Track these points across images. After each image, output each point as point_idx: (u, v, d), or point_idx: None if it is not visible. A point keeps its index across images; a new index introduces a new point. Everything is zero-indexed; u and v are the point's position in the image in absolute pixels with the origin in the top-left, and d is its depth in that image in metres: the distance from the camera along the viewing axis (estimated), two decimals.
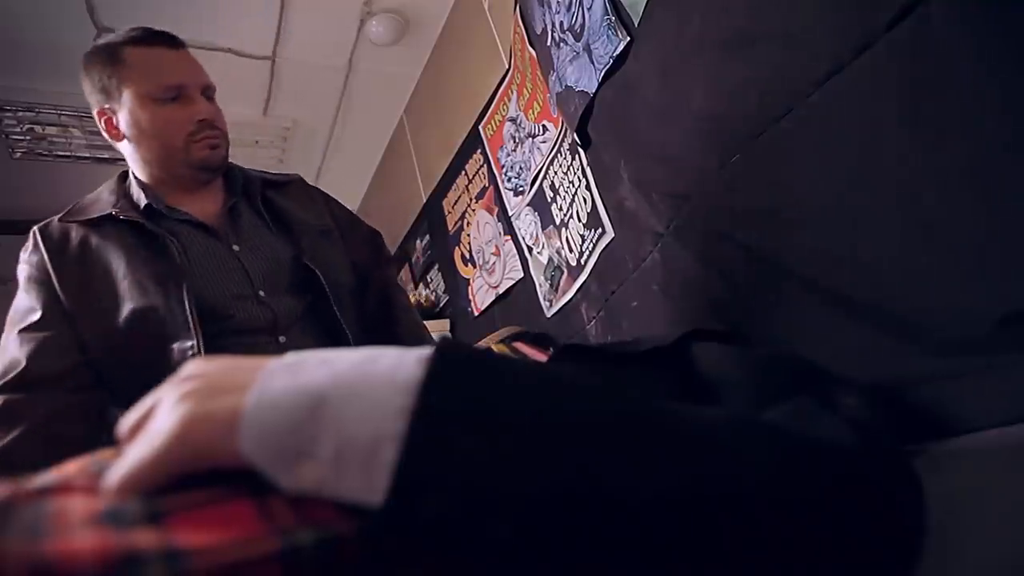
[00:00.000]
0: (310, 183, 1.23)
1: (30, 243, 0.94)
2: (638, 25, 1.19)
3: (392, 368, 0.28)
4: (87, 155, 2.93)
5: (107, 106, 0.94)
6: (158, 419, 0.30)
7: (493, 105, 2.12)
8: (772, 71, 0.91)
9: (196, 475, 0.28)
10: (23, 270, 0.92)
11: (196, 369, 0.32)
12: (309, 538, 0.25)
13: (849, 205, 0.82)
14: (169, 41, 0.94)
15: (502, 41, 2.07)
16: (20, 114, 2.60)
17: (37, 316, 0.88)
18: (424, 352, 0.29)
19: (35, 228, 0.95)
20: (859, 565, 0.33)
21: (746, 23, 0.95)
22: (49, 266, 0.90)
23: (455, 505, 0.25)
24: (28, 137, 2.74)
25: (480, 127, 2.22)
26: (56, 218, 0.96)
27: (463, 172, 2.38)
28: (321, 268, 1.00)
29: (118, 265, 0.88)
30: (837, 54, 0.80)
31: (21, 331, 0.88)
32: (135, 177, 0.98)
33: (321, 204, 1.16)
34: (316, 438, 0.27)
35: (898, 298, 0.76)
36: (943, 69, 0.69)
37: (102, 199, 0.97)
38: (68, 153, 2.88)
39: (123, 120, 0.93)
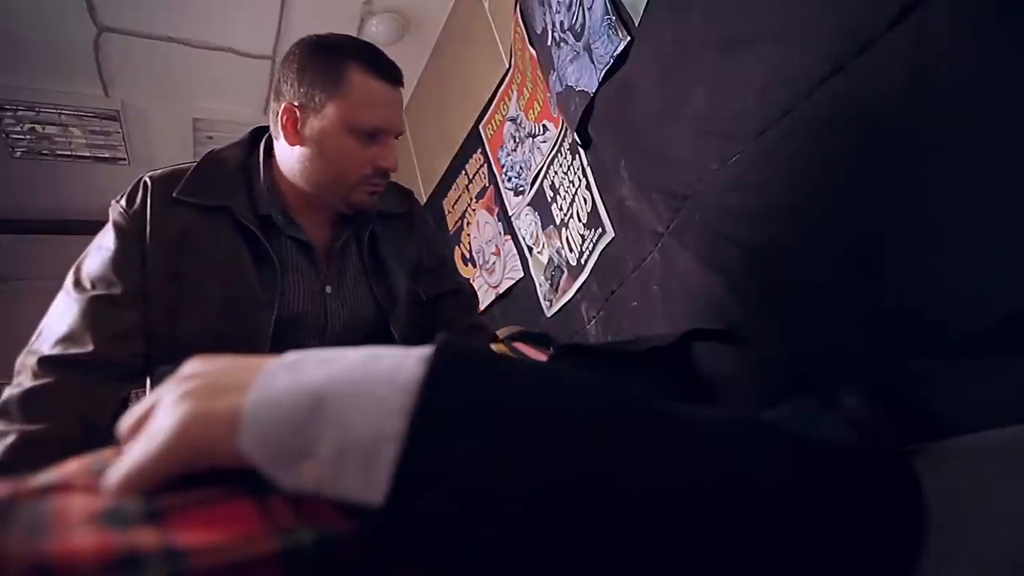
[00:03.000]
0: (421, 211, 1.13)
1: (139, 194, 0.85)
2: (638, 25, 1.19)
3: (393, 368, 0.28)
4: (87, 154, 2.93)
5: (298, 105, 0.84)
6: (158, 418, 0.30)
7: (493, 105, 2.12)
8: (772, 71, 0.91)
9: (196, 475, 0.28)
10: (120, 218, 0.84)
11: (196, 368, 0.32)
12: (309, 537, 0.25)
13: (849, 205, 0.81)
14: (394, 77, 0.85)
15: (502, 41, 2.07)
16: (21, 113, 2.60)
17: (118, 291, 0.80)
18: (425, 351, 0.29)
19: (148, 178, 0.86)
20: (859, 565, 0.33)
21: (746, 23, 0.95)
22: (148, 227, 0.83)
23: (455, 505, 0.25)
24: (29, 136, 2.74)
25: (480, 127, 2.22)
26: (170, 175, 0.87)
27: (463, 172, 2.38)
28: (401, 333, 0.96)
29: (215, 265, 0.83)
30: (837, 54, 0.80)
31: (95, 298, 0.80)
32: (270, 174, 0.91)
33: (415, 243, 1.07)
34: (316, 437, 0.27)
35: (898, 298, 0.76)
36: (943, 69, 0.69)
37: (222, 179, 0.88)
38: (68, 152, 2.88)
39: (309, 129, 0.84)
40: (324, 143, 0.84)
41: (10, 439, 0.71)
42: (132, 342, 0.81)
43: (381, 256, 0.98)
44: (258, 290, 0.84)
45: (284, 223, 0.89)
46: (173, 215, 0.84)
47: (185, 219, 0.84)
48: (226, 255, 0.84)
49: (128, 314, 0.81)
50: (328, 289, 0.92)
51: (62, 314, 0.81)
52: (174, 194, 0.84)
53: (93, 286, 0.82)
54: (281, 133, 0.86)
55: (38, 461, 0.32)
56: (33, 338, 0.82)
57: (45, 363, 0.77)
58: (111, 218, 0.85)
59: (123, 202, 0.86)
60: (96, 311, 0.80)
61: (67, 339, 0.78)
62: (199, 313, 0.82)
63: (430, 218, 1.16)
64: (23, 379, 0.77)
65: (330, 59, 0.82)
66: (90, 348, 0.77)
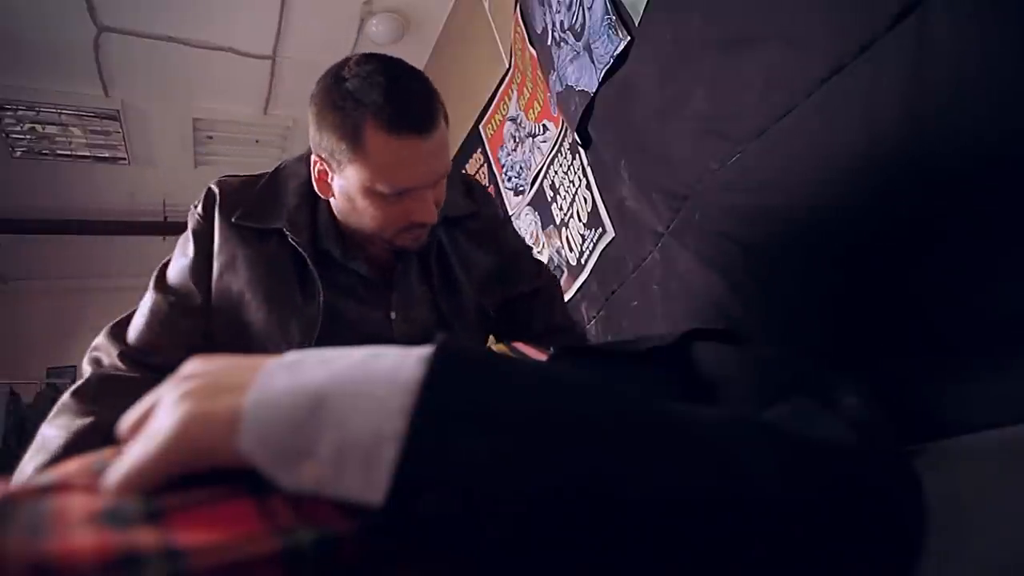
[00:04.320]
0: (490, 206, 1.02)
1: (209, 204, 0.85)
2: (638, 25, 1.19)
3: (393, 367, 0.28)
4: (87, 154, 2.93)
5: (324, 158, 0.77)
6: (158, 418, 0.30)
7: (493, 104, 2.12)
8: (772, 71, 0.91)
9: (196, 474, 0.28)
10: (196, 226, 0.85)
11: (196, 368, 0.32)
12: (309, 537, 0.25)
13: (849, 205, 0.82)
14: (423, 126, 0.71)
15: (502, 40, 2.07)
16: (21, 113, 2.61)
17: (195, 303, 0.82)
18: (425, 351, 0.29)
19: (219, 188, 0.85)
20: (859, 566, 0.33)
21: (746, 23, 0.95)
22: (216, 240, 0.83)
23: (455, 505, 0.25)
24: (29, 136, 2.74)
25: (480, 126, 2.22)
26: (239, 188, 0.86)
27: (463, 171, 2.38)
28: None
29: (261, 286, 0.81)
30: (837, 54, 0.80)
31: (173, 305, 0.82)
32: (328, 203, 0.86)
33: (485, 245, 0.97)
34: (316, 437, 0.27)
35: (898, 297, 0.76)
36: (943, 69, 0.69)
37: (284, 199, 0.85)
38: (68, 152, 2.89)
39: (337, 186, 0.79)
40: (352, 203, 0.78)
41: (86, 421, 0.74)
42: (189, 348, 0.79)
43: (449, 266, 0.91)
44: (299, 316, 0.81)
45: (342, 255, 0.85)
46: (235, 231, 0.83)
47: (243, 238, 0.83)
48: (275, 279, 0.82)
49: (202, 322, 0.83)
50: (393, 315, 0.88)
51: (146, 313, 0.83)
52: (233, 219, 0.83)
53: (173, 292, 0.83)
54: (316, 185, 0.82)
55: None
56: (124, 317, 0.85)
57: (125, 357, 0.81)
58: (189, 225, 0.86)
59: (199, 209, 0.85)
60: (173, 320, 0.82)
61: (146, 340, 0.81)
62: (243, 331, 0.82)
63: (497, 211, 1.05)
64: (102, 356, 0.81)
65: (345, 116, 0.71)
66: (164, 355, 0.80)
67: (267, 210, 0.83)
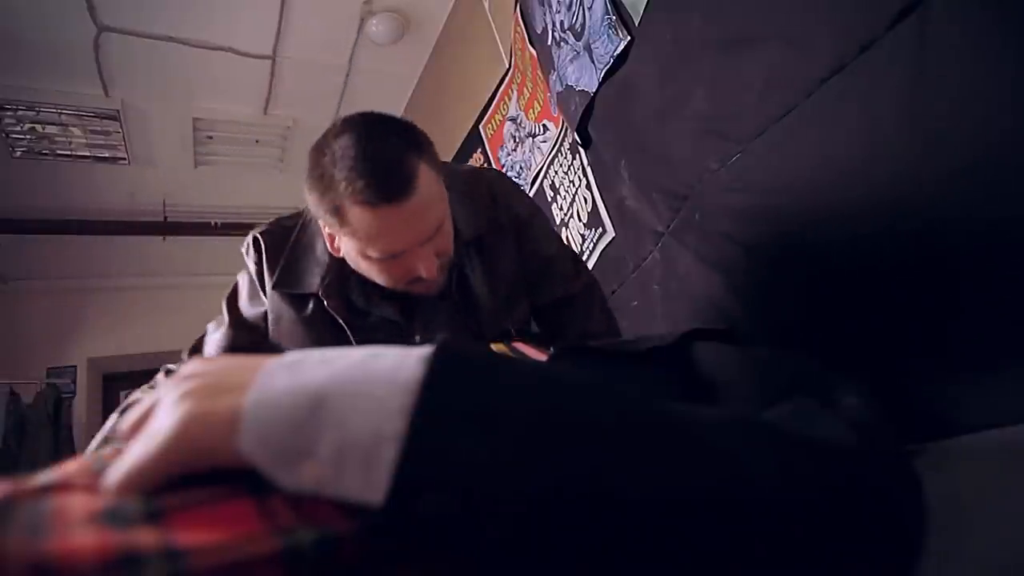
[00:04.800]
0: (511, 213, 0.97)
1: (255, 254, 0.89)
2: (639, 25, 1.19)
3: (393, 368, 0.28)
4: (87, 154, 2.93)
5: (324, 225, 0.81)
6: (158, 418, 0.30)
7: (493, 104, 2.12)
8: (772, 71, 0.91)
9: (196, 474, 0.28)
10: (251, 264, 0.89)
11: (196, 368, 0.32)
12: (309, 537, 0.25)
13: (849, 205, 0.81)
14: (394, 196, 0.72)
15: (502, 40, 2.07)
16: (21, 113, 2.60)
17: (255, 338, 0.89)
18: (425, 351, 0.29)
19: (261, 241, 0.89)
20: (859, 565, 0.33)
21: (746, 23, 0.95)
22: (267, 287, 0.88)
23: (455, 505, 0.25)
24: (29, 136, 2.74)
25: (480, 126, 2.22)
26: (279, 240, 0.89)
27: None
28: None
29: (297, 336, 0.87)
30: (837, 54, 0.80)
31: (236, 340, 0.90)
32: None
33: (508, 255, 0.95)
34: (316, 437, 0.27)
35: (898, 297, 0.76)
36: (943, 69, 0.69)
37: (315, 258, 0.87)
38: (68, 152, 2.88)
39: (342, 250, 0.82)
40: (358, 264, 0.81)
41: None
42: None
43: (469, 288, 0.91)
44: None
45: (366, 303, 0.87)
46: (277, 292, 0.88)
47: (284, 299, 0.88)
48: (314, 341, 0.87)
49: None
50: (417, 339, 0.88)
51: (224, 345, 0.90)
52: (273, 285, 0.87)
53: (249, 328, 0.90)
54: (329, 247, 0.85)
55: None
56: (195, 342, 0.92)
57: None
58: (247, 266, 0.91)
59: (251, 258, 0.89)
60: (250, 352, 0.89)
61: None
62: None
63: (525, 211, 0.99)
64: None
65: (324, 194, 0.74)
66: None
67: (302, 273, 0.87)
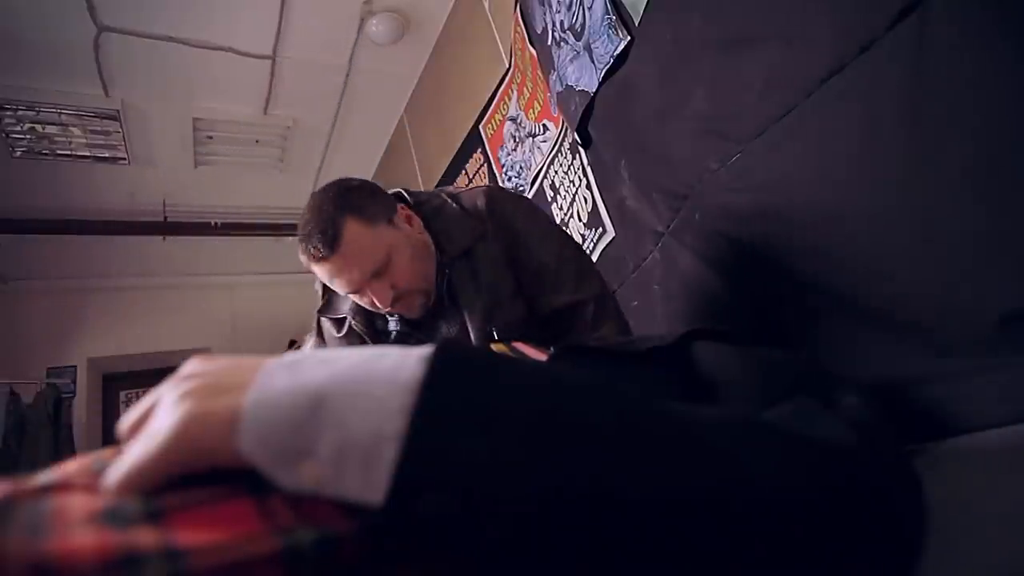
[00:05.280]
0: (498, 223, 1.01)
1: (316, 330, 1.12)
2: (639, 25, 1.19)
3: (393, 367, 0.28)
4: (87, 154, 2.93)
5: None
6: (158, 418, 0.30)
7: (493, 104, 2.12)
8: (772, 71, 0.91)
9: (196, 474, 0.28)
10: (318, 284, 1.05)
11: (196, 368, 0.32)
12: (309, 537, 0.25)
13: (849, 205, 0.81)
14: (320, 255, 0.88)
15: (502, 40, 2.07)
16: (21, 113, 2.60)
17: None
18: (425, 351, 0.29)
19: (319, 315, 1.10)
20: (859, 565, 0.33)
21: (746, 23, 0.95)
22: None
23: (455, 505, 0.25)
24: (29, 136, 2.74)
25: (480, 126, 2.22)
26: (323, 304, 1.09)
27: (463, 171, 2.38)
28: None
29: None
30: (837, 54, 0.80)
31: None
32: None
33: (493, 267, 1.00)
34: (316, 437, 0.27)
35: (898, 298, 0.76)
36: (943, 69, 0.69)
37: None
38: (68, 152, 2.88)
39: None
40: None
41: None
42: None
43: (455, 297, 0.99)
44: None
45: (384, 323, 1.03)
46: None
47: (326, 320, 1.09)
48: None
49: None
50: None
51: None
52: (317, 311, 1.09)
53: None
54: None
55: None
56: None
57: None
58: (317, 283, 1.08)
59: (319, 284, 1.06)
60: None
61: None
62: None
63: (520, 221, 1.03)
64: None
65: (301, 256, 0.93)
66: None
67: (338, 303, 1.06)
